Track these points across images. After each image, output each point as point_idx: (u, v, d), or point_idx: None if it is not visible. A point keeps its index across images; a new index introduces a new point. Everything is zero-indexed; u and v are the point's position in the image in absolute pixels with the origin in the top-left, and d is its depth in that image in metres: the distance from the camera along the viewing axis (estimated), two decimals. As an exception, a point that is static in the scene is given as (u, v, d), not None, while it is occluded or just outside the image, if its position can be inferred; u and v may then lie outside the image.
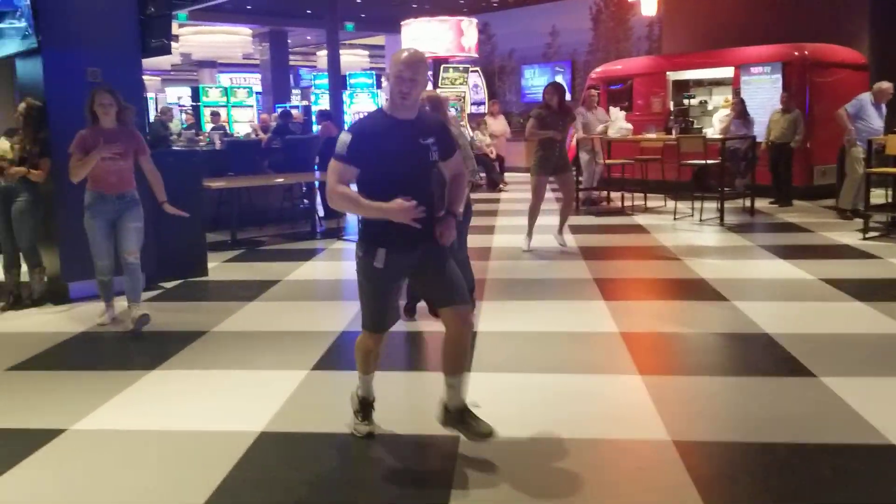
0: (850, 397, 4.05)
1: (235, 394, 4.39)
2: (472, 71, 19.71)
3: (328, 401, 4.25)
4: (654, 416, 3.92)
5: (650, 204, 11.82)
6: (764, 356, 4.85)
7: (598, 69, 15.81)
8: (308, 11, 21.29)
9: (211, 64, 28.43)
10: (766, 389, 4.30)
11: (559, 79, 20.36)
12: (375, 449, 3.64)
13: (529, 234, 8.47)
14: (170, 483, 3.32)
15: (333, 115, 12.30)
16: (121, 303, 6.00)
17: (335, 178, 3.31)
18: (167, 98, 27.89)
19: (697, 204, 10.45)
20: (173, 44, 24.86)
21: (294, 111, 19.78)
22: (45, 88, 6.41)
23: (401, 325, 5.75)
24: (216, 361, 4.95)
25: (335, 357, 5.01)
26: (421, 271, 3.48)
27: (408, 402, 4.24)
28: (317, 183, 10.96)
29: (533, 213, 8.43)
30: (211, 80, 28.10)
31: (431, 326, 5.70)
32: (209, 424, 3.94)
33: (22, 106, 6.32)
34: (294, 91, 28.59)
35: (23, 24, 6.44)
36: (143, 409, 4.19)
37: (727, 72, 13.26)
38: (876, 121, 9.62)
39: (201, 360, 4.98)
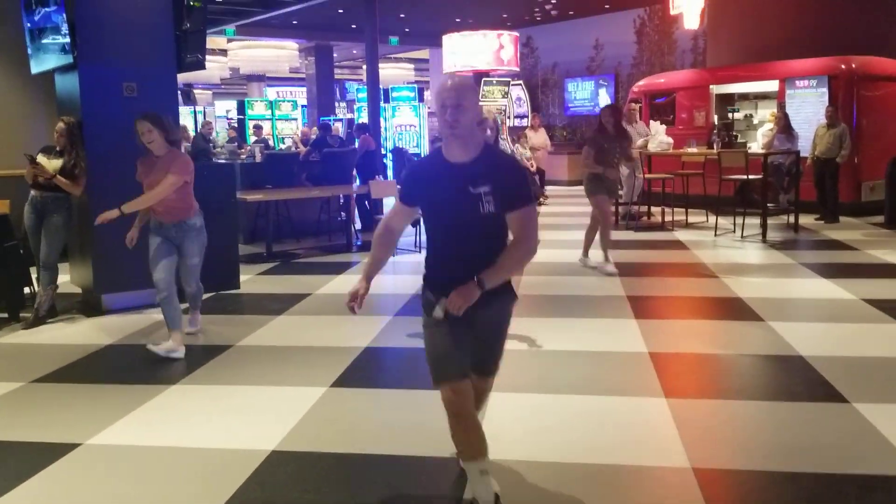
0: (884, 425, 3.87)
1: (252, 410, 4.37)
2: (515, 84, 19.67)
3: (343, 419, 4.21)
4: (675, 441, 3.79)
5: (691, 219, 11.61)
6: (796, 380, 4.67)
7: (641, 82, 15.63)
8: (353, 26, 21.47)
9: (259, 78, 28.90)
10: (796, 415, 4.14)
11: (603, 92, 20.20)
12: (385, 470, 3.58)
13: (586, 251, 8.23)
14: (173, 501, 3.30)
15: (371, 129, 12.33)
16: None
17: (388, 214, 3.23)
18: (215, 111, 28.35)
19: (739, 220, 10.23)
20: (222, 58, 25.46)
21: (337, 124, 19.92)
22: (81, 103, 6.51)
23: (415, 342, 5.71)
24: (237, 377, 4.94)
25: (356, 374, 4.97)
26: (476, 330, 3.03)
27: (419, 423, 4.16)
28: (355, 196, 11.01)
29: (595, 231, 8.10)
30: (259, 93, 28.56)
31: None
32: (222, 442, 3.92)
33: (60, 126, 6.39)
34: (341, 104, 28.86)
35: (63, 39, 6.56)
36: (160, 424, 4.19)
37: (772, 85, 12.99)
38: None
39: (222, 376, 4.97)
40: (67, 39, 6.44)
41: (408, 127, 20.35)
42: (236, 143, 16.20)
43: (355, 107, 24.82)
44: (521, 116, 20.28)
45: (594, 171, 7.89)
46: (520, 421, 4.12)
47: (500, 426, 3.98)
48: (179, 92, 27.42)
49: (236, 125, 20.43)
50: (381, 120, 19.38)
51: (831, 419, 4.04)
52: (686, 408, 4.25)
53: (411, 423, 4.15)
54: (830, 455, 3.60)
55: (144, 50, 6.76)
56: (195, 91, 29.24)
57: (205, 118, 21.79)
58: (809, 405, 4.26)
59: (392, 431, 4.01)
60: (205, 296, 7.13)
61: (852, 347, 5.30)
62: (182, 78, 24.56)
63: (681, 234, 10.49)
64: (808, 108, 12.09)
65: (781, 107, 12.12)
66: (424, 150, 19.20)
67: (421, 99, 21.21)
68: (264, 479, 3.46)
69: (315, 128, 16.92)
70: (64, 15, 6.40)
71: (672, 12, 14.76)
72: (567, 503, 3.21)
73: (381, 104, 19.87)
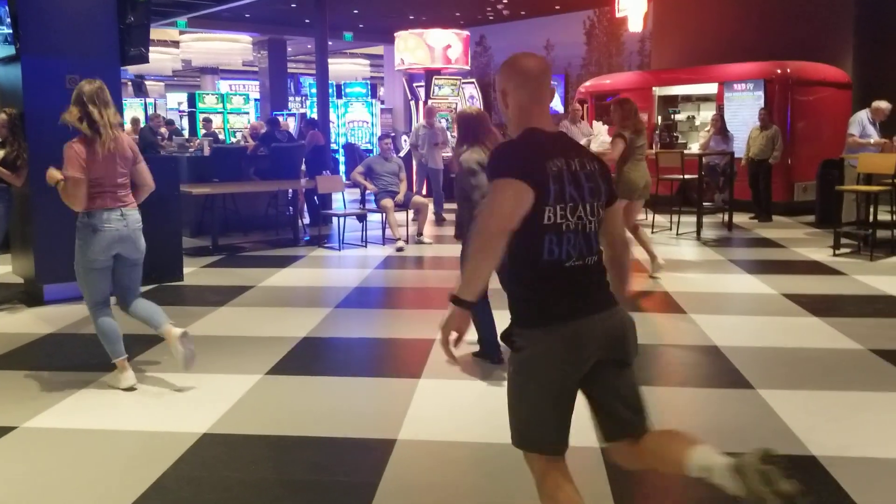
0: (783, 409, 4.16)
1: (186, 396, 4.51)
2: (468, 82, 19.89)
3: (275, 404, 4.38)
4: (587, 423, 4.02)
5: (632, 217, 11.94)
6: (708, 368, 4.97)
7: (587, 83, 15.97)
8: (306, 21, 21.47)
9: (212, 70, 28.66)
10: (703, 400, 4.42)
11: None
12: (312, 451, 3.75)
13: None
14: (106, 480, 3.44)
15: (320, 125, 12.44)
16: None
17: None
18: (167, 103, 28.09)
19: (676, 218, 10.57)
20: (174, 50, 25.22)
21: (289, 119, 19.94)
22: (23, 94, 6.55)
23: (352, 332, 5.90)
24: (174, 364, 5.01)
25: (292, 362, 5.12)
26: None
27: (348, 407, 4.34)
28: (304, 191, 11.12)
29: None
30: (213, 86, 28.32)
31: (392, 333, 5.85)
32: (155, 425, 4.06)
33: (2, 117, 6.43)
34: (295, 99, 28.79)
35: (6, 30, 6.59)
36: (96, 408, 4.31)
37: (712, 88, 13.40)
38: (875, 139, 9.65)
39: (158, 364, 5.09)
40: (10, 31, 6.48)
41: (360, 123, 20.44)
42: (184, 136, 16.17)
43: (307, 102, 24.83)
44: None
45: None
46: (441, 406, 4.33)
47: (430, 412, 4.19)
48: (131, 83, 27.16)
49: (167, 118, 20.16)
50: (335, 116, 19.46)
51: (736, 403, 4.32)
52: (602, 393, 4.50)
53: (340, 407, 4.33)
54: (728, 436, 3.86)
55: (88, 43, 6.81)
56: (147, 83, 28.92)
57: (155, 110, 21.64)
58: (717, 391, 4.54)
59: (321, 415, 4.19)
60: (147, 287, 7.25)
61: (765, 338, 5.62)
62: (134, 69, 24.41)
63: (620, 232, 10.78)
64: (746, 110, 12.50)
65: (719, 109, 12.53)
66: (375, 146, 19.33)
67: (374, 95, 21.31)
68: (195, 459, 3.62)
69: (260, 121, 17.02)
70: (7, 7, 6.44)
71: (618, 15, 15.08)
72: (481, 479, 3.43)
73: (334, 100, 19.94)
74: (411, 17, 21.34)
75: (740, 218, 11.45)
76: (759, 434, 3.89)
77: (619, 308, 2.48)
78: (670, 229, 10.67)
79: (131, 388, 4.55)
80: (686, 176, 10.52)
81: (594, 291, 2.41)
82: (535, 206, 2.26)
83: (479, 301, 2.41)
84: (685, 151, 11.41)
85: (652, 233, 10.53)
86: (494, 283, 2.63)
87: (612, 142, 7.49)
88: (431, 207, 11.34)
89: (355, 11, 20.76)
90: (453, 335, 2.33)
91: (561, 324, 2.33)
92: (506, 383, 2.66)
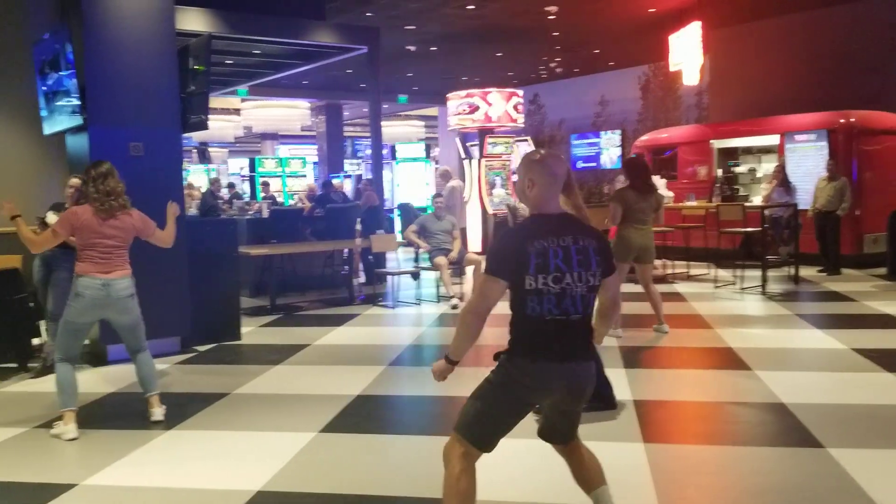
0: (856, 470, 3.96)
1: (241, 454, 4.50)
2: (522, 140, 20.04)
3: (329, 462, 4.34)
4: (647, 484, 3.89)
5: (693, 272, 11.73)
6: (775, 426, 4.77)
7: (644, 137, 15.92)
8: (362, 85, 21.96)
9: (272, 135, 29.50)
10: (770, 459, 4.22)
11: (612, 147, 20.47)
12: (366, 511, 3.70)
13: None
14: (160, 539, 3.43)
15: (375, 185, 12.63)
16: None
17: None
18: (228, 169, 28.92)
19: (740, 272, 10.34)
20: (236, 117, 26.04)
21: (346, 180, 20.31)
22: (90, 162, 6.76)
23: (406, 390, 5.85)
24: (230, 423, 5.08)
25: (346, 420, 5.09)
26: None
27: (404, 466, 4.28)
28: (360, 250, 11.24)
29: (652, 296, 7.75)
30: (272, 150, 29.14)
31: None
32: (211, 483, 4.05)
33: (76, 181, 6.63)
34: (352, 161, 29.36)
35: (74, 101, 6.86)
36: (153, 466, 4.33)
37: (774, 139, 13.19)
38: None
39: (216, 422, 5.12)
40: (78, 102, 6.74)
41: (416, 183, 20.70)
42: (244, 200, 16.57)
43: (364, 164, 25.29)
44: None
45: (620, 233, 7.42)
46: (491, 465, 4.21)
47: (492, 468, 4.08)
48: (195, 150, 28.02)
49: (230, 182, 20.70)
50: (392, 175, 19.76)
51: (803, 464, 4.12)
52: (663, 452, 4.35)
53: (396, 466, 4.27)
54: (798, 498, 3.68)
55: (151, 112, 7.02)
56: (210, 149, 29.82)
57: (217, 176, 22.28)
58: (784, 450, 4.34)
59: (377, 474, 4.13)
60: (205, 347, 7.37)
61: (835, 395, 5.38)
62: (198, 137, 25.23)
63: (681, 287, 10.59)
64: (809, 161, 12.27)
65: (780, 160, 12.32)
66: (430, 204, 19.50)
67: (427, 155, 21.59)
68: (248, 519, 3.59)
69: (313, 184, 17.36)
70: (75, 80, 6.71)
71: (671, 69, 15.08)
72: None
73: (389, 161, 20.24)
74: (464, 79, 21.67)
75: (807, 271, 11.15)
76: (828, 496, 3.70)
77: (590, 364, 2.99)
78: (734, 284, 10.43)
79: (73, 440, 4.75)
80: (741, 229, 10.32)
81: (573, 340, 2.91)
82: (518, 278, 2.81)
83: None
84: (746, 204, 11.19)
85: (715, 287, 10.32)
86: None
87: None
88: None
89: (409, 75, 21.20)
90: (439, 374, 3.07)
91: (541, 361, 2.87)
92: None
